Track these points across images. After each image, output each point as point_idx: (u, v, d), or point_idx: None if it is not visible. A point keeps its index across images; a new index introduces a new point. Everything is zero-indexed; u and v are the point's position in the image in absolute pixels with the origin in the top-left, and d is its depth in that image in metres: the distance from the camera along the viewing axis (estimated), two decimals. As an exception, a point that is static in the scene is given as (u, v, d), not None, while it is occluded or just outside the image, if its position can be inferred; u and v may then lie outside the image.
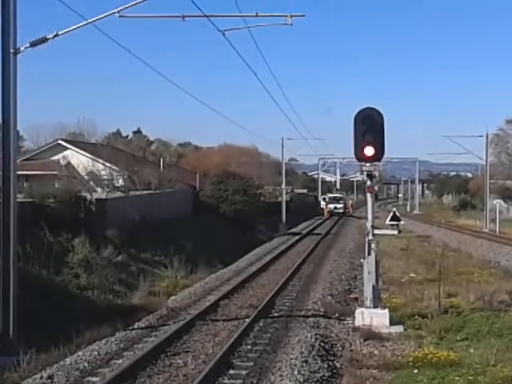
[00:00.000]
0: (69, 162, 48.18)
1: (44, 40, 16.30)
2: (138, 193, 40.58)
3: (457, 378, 12.17)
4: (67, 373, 13.31)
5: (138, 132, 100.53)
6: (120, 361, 14.31)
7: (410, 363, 13.42)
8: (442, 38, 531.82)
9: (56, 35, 16.40)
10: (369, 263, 17.64)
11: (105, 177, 44.29)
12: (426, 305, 19.16)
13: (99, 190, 41.88)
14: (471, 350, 14.44)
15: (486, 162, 69.53)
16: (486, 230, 61.44)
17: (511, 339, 15.23)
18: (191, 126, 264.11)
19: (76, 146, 51.60)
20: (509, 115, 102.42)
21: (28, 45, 16.00)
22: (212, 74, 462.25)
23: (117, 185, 43.43)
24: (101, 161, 46.00)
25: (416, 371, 13.01)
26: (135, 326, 17.95)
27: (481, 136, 69.12)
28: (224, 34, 21.32)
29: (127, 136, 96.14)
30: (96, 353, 14.87)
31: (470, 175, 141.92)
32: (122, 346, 15.67)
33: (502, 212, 69.91)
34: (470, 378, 12.15)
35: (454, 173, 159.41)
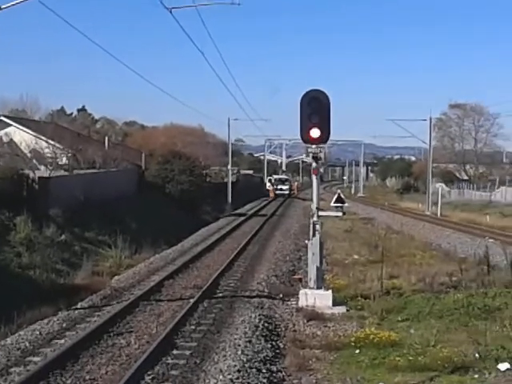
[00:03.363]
0: (11, 139, 47.18)
1: (-14, 14, 15.92)
2: (82, 172, 40.10)
3: (397, 358, 12.36)
4: (8, 352, 13.15)
5: (82, 110, 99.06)
6: (62, 341, 14.18)
7: (352, 343, 13.59)
8: (387, 20, 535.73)
9: (-1, 9, 16.05)
10: (313, 244, 17.77)
11: (48, 155, 43.50)
12: (368, 286, 19.41)
13: (42, 168, 41.17)
14: (412, 331, 14.68)
15: (430, 145, 70.52)
16: (428, 213, 62.44)
17: (451, 320, 15.53)
18: (137, 104, 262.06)
19: (19, 123, 50.55)
20: (452, 100, 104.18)
21: (-30, 18, 15.62)
22: (159, 52, 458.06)
23: (60, 163, 42.73)
24: (44, 138, 45.17)
25: (358, 351, 13.18)
26: (78, 306, 17.79)
27: (424, 120, 70.08)
28: (171, 12, 21.16)
29: (71, 114, 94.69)
30: (37, 332, 14.72)
31: (413, 159, 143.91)
32: (64, 325, 15.53)
33: (443, 195, 71.11)
34: (411, 358, 12.35)
35: (398, 156, 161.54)
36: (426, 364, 12.03)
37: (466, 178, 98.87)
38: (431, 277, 20.05)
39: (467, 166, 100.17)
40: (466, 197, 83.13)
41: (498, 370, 11.84)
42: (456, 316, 15.78)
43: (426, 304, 16.82)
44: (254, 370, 11.99)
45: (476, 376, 11.62)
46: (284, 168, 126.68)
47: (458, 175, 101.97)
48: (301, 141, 18.33)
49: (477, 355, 12.41)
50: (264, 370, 12.09)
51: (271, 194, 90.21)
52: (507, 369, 11.85)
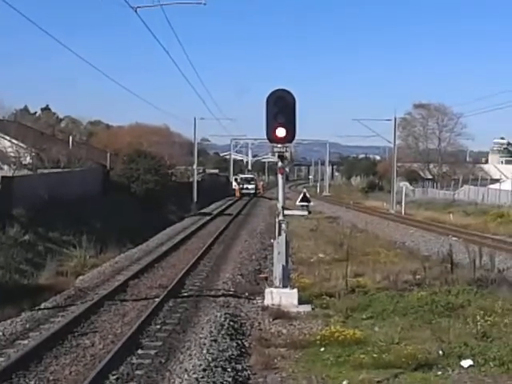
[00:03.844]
0: (-27, 139, 46.68)
1: None
2: (46, 171, 39.75)
3: (362, 356, 12.43)
4: (-30, 354, 12.98)
5: (46, 109, 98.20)
6: (26, 341, 14.03)
7: (317, 341, 13.65)
8: (351, 21, 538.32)
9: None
10: (279, 243, 17.81)
11: (11, 154, 43.13)
12: (333, 284, 19.48)
13: (6, 167, 40.77)
14: (376, 329, 14.78)
15: (394, 145, 71.14)
16: (392, 212, 62.91)
17: (415, 318, 15.67)
18: (102, 104, 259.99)
19: (-19, 122, 50.03)
20: (417, 100, 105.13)
21: None
22: (124, 51, 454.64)
23: (24, 162, 42.37)
24: (7, 137, 44.78)
25: (323, 349, 13.24)
26: (42, 307, 17.62)
27: (389, 120, 70.79)
28: (136, 11, 21.08)
29: (35, 113, 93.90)
30: (0, 333, 14.55)
31: (378, 158, 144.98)
32: (27, 326, 15.37)
33: (407, 194, 71.70)
34: (375, 355, 12.44)
35: (363, 155, 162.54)
36: (390, 361, 12.12)
37: (430, 176, 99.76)
38: (395, 275, 20.18)
39: (431, 165, 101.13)
40: (429, 195, 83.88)
41: (461, 366, 11.98)
42: (420, 314, 15.93)
43: (390, 302, 16.95)
44: (219, 368, 11.98)
45: (439, 373, 11.74)
46: (250, 167, 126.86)
47: (422, 174, 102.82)
48: (267, 140, 18.36)
49: (440, 352, 12.54)
50: (229, 369, 12.08)
51: (237, 194, 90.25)
52: (470, 365, 12.00)
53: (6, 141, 44.64)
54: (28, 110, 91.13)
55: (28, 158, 43.49)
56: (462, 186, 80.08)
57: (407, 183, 78.93)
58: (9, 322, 15.65)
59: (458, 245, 28.42)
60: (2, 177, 30.04)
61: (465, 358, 12.24)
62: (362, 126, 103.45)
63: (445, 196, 78.41)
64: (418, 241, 35.05)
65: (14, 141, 44.09)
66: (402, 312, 16.15)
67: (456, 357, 12.35)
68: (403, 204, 61.90)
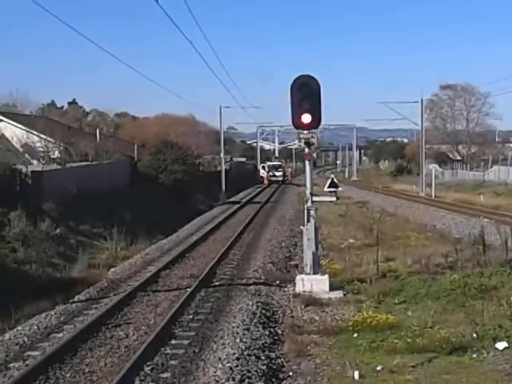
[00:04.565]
0: (2, 135, 47.05)
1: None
2: (74, 165, 40.00)
3: (395, 341, 12.39)
4: (7, 348, 13.13)
5: (73, 103, 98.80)
6: (60, 334, 14.18)
7: (350, 327, 13.63)
8: (376, 3, 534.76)
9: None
10: (308, 230, 17.78)
11: (40, 149, 43.46)
12: (364, 270, 19.43)
13: (35, 162, 41.11)
14: (409, 313, 14.72)
15: (422, 127, 70.57)
16: (422, 195, 62.51)
17: (448, 301, 15.58)
18: (128, 95, 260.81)
19: (9, 118, 50.39)
20: (443, 81, 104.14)
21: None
22: (147, 42, 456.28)
23: (53, 157, 42.67)
24: (35, 132, 45.11)
25: (356, 335, 13.22)
26: (75, 299, 17.79)
27: (416, 102, 70.11)
28: (157, 1, 21.03)
29: (62, 107, 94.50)
30: (35, 327, 14.71)
31: (405, 141, 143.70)
32: (61, 319, 15.52)
33: (437, 176, 71.19)
34: (409, 340, 12.39)
35: (391, 139, 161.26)
36: (424, 345, 12.07)
37: (458, 158, 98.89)
38: (427, 258, 20.06)
39: (460, 147, 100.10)
40: (459, 177, 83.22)
41: (496, 349, 11.90)
42: (453, 297, 15.84)
43: (422, 285, 16.85)
44: (252, 357, 12.01)
45: (474, 356, 11.67)
46: (277, 154, 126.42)
47: (450, 156, 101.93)
48: (293, 127, 18.31)
49: (474, 335, 12.47)
50: (263, 357, 12.11)
51: (265, 181, 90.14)
52: (505, 347, 11.91)
53: (34, 136, 44.98)
54: (55, 105, 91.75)
55: (56, 153, 43.80)
56: (491, 167, 79.32)
57: (436, 165, 78.13)
58: (43, 315, 15.83)
59: (490, 226, 28.12)
60: (32, 172, 30.29)
61: (499, 340, 12.15)
62: (388, 110, 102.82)
63: (474, 177, 77.75)
64: (449, 223, 34.75)
65: (42, 135, 44.41)
66: (435, 295, 16.06)
67: (490, 339, 12.28)
68: (433, 186, 61.48)
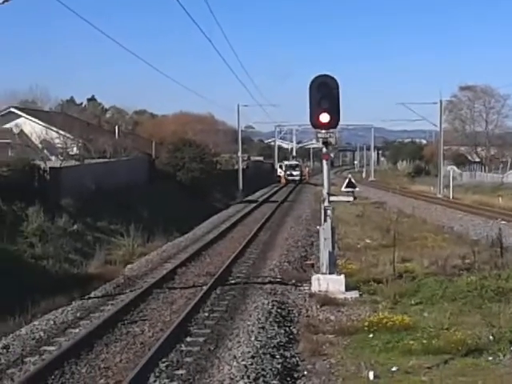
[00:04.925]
0: (22, 130, 47.37)
1: (-7, 5, 15.93)
2: (93, 161, 40.17)
3: (411, 342, 12.36)
4: (23, 342, 13.22)
5: (92, 99, 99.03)
6: (76, 330, 14.25)
7: (366, 328, 13.59)
8: (396, 4, 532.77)
9: (6, 1, 16.05)
10: (325, 230, 17.76)
11: (59, 145, 43.70)
12: (380, 270, 19.38)
13: (53, 158, 41.34)
14: (425, 314, 14.68)
15: (440, 128, 70.24)
16: (439, 196, 62.23)
17: (464, 303, 15.51)
18: (147, 93, 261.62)
19: (29, 114, 50.75)
20: (462, 82, 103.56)
21: (-23, 10, 15.63)
22: (167, 40, 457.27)
23: (71, 153, 42.90)
24: (54, 129, 45.36)
25: (371, 336, 13.19)
26: (91, 295, 17.87)
27: (435, 103, 69.83)
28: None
29: (81, 103, 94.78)
30: (52, 322, 14.79)
31: (424, 142, 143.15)
32: (78, 314, 15.60)
33: (455, 178, 70.84)
34: (424, 341, 12.35)
35: (409, 139, 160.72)
36: (439, 347, 12.02)
37: (477, 160, 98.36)
38: (444, 260, 19.99)
39: (478, 148, 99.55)
40: (477, 179, 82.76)
41: (512, 351, 11.83)
42: (469, 298, 15.77)
43: (439, 287, 16.79)
44: (267, 355, 12.02)
45: (490, 358, 11.61)
46: (294, 154, 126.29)
47: (469, 157, 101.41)
48: (311, 126, 18.29)
49: (491, 337, 12.40)
50: (278, 356, 12.11)
51: (282, 180, 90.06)
52: (521, 350, 11.83)
53: (53, 132, 45.23)
54: (74, 101, 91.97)
55: (75, 149, 44.03)
56: (510, 169, 78.80)
57: (454, 167, 77.85)
58: (60, 310, 15.92)
59: (508, 228, 28.01)
60: (50, 168, 30.45)
61: (516, 343, 12.08)
62: (406, 110, 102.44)
63: (493, 179, 77.27)
64: (467, 225, 34.58)
65: (61, 132, 44.65)
66: (451, 297, 16.00)
67: (507, 342, 12.18)
68: (451, 188, 61.19)
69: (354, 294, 17.04)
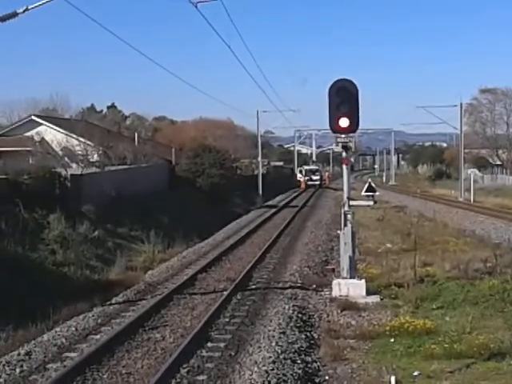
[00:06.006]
0: (43, 138, 47.68)
1: (14, 15, 16.08)
2: (113, 168, 40.34)
3: (433, 346, 12.30)
4: (45, 349, 13.29)
5: (112, 107, 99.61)
6: (98, 336, 14.31)
7: (387, 332, 13.54)
8: (414, 8, 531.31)
9: (26, 9, 16.19)
10: (345, 234, 17.72)
11: (79, 152, 43.93)
12: (402, 274, 19.29)
13: (74, 165, 41.56)
14: (447, 318, 14.60)
15: (461, 131, 69.87)
16: (461, 200, 61.87)
17: (486, 307, 15.41)
18: (166, 99, 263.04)
19: (49, 122, 51.05)
20: (482, 84, 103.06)
21: (-3, 19, 15.76)
22: (186, 47, 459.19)
23: (92, 160, 43.10)
24: (75, 136, 45.62)
25: (392, 340, 13.13)
26: (113, 301, 17.94)
27: (455, 106, 69.50)
28: (196, 6, 21.17)
29: (101, 111, 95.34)
30: (73, 328, 14.86)
31: (444, 145, 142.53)
32: (99, 321, 15.67)
33: (476, 181, 70.40)
34: (446, 345, 12.28)
35: (429, 143, 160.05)
36: (461, 351, 11.95)
37: (498, 162, 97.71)
38: (465, 263, 19.88)
39: (500, 151, 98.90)
40: (499, 182, 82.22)
41: (536, 355, 11.73)
42: (491, 302, 15.66)
43: (460, 291, 16.70)
44: (288, 361, 12.00)
45: (513, 362, 11.52)
46: (314, 158, 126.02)
47: (490, 160, 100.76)
48: (330, 131, 18.26)
49: (513, 341, 12.30)
50: (299, 361, 12.09)
51: (302, 185, 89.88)
52: (544, 354, 11.73)
53: (73, 139, 45.49)
54: (94, 109, 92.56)
55: (95, 156, 44.23)
56: (532, 172, 78.18)
57: (475, 170, 77.33)
58: (81, 317, 16.00)
59: (530, 231, 27.77)
60: (71, 175, 30.62)
61: (539, 347, 11.98)
62: (426, 114, 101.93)
63: (515, 182, 76.73)
64: (488, 228, 34.34)
65: (81, 139, 44.89)
66: (473, 301, 15.90)
67: (530, 346, 12.10)
68: (472, 191, 60.80)
69: (375, 299, 16.98)
